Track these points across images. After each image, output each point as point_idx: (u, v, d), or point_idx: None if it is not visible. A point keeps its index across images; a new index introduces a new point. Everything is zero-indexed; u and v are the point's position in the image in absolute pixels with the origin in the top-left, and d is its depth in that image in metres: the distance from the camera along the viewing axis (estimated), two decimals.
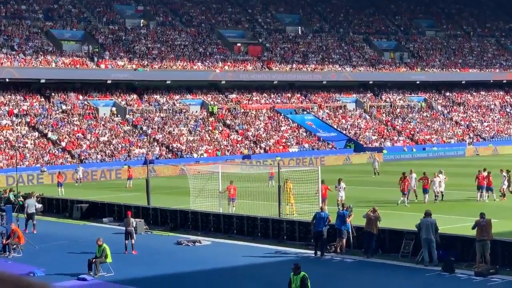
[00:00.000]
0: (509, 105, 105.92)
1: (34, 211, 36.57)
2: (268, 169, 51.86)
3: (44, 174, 63.45)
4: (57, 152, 69.85)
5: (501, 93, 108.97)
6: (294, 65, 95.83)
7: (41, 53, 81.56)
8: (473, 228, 25.10)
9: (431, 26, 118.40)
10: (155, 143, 75.67)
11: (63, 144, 71.42)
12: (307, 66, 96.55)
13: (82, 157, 69.39)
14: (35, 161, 67.10)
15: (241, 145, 79.00)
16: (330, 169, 64.65)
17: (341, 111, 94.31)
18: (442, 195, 41.79)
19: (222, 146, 77.51)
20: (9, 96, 78.00)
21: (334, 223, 28.32)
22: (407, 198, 40.80)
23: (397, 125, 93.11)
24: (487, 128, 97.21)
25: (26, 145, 69.86)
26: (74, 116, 77.43)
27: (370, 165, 64.25)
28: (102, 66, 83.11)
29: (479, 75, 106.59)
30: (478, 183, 41.97)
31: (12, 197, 42.40)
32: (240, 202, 38.79)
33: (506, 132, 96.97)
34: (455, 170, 56.71)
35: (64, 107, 78.83)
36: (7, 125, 72.71)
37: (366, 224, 27.46)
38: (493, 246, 24.59)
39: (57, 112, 77.70)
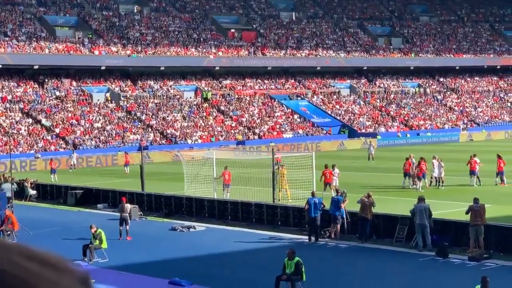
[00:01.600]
0: (502, 91, 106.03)
1: (11, 195, 36.53)
2: (264, 155, 51.83)
3: (37, 161, 63.37)
4: (51, 138, 69.75)
5: (495, 78, 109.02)
6: (288, 51, 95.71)
7: (34, 39, 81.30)
8: (466, 213, 25.19)
9: (425, 12, 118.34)
10: (149, 129, 75.60)
11: (57, 130, 71.31)
12: (301, 51, 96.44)
13: (76, 144, 69.30)
14: (29, 147, 67.01)
15: (235, 131, 78.96)
16: (325, 154, 64.67)
17: (335, 96, 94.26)
18: (436, 180, 41.85)
19: (216, 132, 77.46)
20: (3, 82, 77.79)
21: (329, 208, 28.37)
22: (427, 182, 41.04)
23: (391, 110, 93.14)
24: (481, 114, 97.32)
25: (20, 132, 69.75)
26: (68, 102, 77.27)
27: (365, 150, 64.24)
28: (96, 52, 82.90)
29: (473, 60, 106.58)
30: (470, 168, 42.09)
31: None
32: (235, 188, 38.82)
33: (499, 117, 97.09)
34: (449, 155, 56.76)
35: (57, 93, 78.65)
36: (0, 112, 72.55)
37: (360, 209, 27.52)
38: (487, 231, 24.70)
39: (51, 98, 77.54)
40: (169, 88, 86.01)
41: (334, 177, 39.32)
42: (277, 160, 42.66)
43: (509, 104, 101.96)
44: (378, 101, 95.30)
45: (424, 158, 41.49)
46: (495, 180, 42.01)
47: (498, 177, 42.12)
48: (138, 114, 78.49)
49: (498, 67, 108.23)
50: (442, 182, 41.38)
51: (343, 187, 34.32)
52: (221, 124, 79.98)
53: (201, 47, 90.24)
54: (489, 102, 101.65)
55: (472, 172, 41.94)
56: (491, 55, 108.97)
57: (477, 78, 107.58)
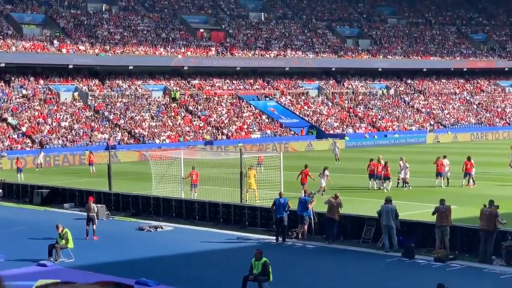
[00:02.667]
0: (469, 93, 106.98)
1: None
2: (232, 155, 51.81)
3: (2, 160, 62.77)
4: (17, 137, 69.17)
5: (462, 81, 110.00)
6: (257, 51, 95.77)
7: (0, 36, 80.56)
8: (433, 214, 25.38)
9: (393, 14, 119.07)
10: (117, 129, 75.24)
11: (24, 129, 70.73)
12: (270, 52, 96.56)
13: (43, 142, 68.75)
14: None
15: (203, 131, 78.87)
16: (293, 155, 64.81)
17: (303, 97, 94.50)
18: (404, 182, 42.17)
19: (184, 132, 77.31)
20: None
21: (296, 209, 28.43)
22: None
23: (359, 112, 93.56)
24: (448, 116, 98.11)
25: None
26: (35, 101, 76.67)
27: (332, 151, 64.32)
28: (64, 50, 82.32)
29: (440, 63, 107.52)
30: (437, 169, 42.46)
31: None
32: (202, 188, 38.80)
33: (465, 119, 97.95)
34: (416, 157, 57.17)
35: (24, 91, 78.02)
36: None
37: (327, 210, 27.61)
38: (452, 232, 24.89)
39: (18, 96, 76.88)
40: (138, 88, 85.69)
41: (323, 179, 39.66)
42: (260, 161, 42.71)
43: (475, 106, 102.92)
44: (346, 102, 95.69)
45: (387, 162, 41.70)
46: (461, 181, 42.33)
47: (466, 179, 42.44)
48: (106, 113, 78.08)
49: (465, 69, 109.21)
50: (407, 183, 41.74)
51: (310, 188, 34.45)
52: (189, 124, 79.85)
53: (169, 46, 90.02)
54: (456, 104, 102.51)
55: (439, 174, 42.33)
56: (458, 58, 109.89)
57: (444, 81, 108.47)
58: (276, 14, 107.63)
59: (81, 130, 72.87)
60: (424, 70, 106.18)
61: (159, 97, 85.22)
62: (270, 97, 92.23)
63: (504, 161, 50.48)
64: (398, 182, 42.21)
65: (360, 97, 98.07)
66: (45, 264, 24.39)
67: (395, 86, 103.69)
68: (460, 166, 42.90)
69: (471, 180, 42.33)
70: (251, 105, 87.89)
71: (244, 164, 37.19)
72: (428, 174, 43.60)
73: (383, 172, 40.92)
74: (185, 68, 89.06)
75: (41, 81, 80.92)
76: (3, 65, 77.92)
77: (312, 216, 28.47)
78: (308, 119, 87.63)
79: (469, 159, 42.65)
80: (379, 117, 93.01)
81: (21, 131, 70.32)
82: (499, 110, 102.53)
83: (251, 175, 37.32)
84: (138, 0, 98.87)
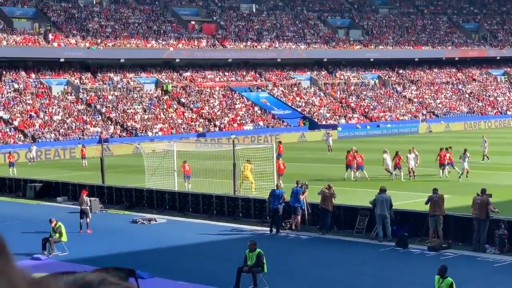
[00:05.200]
0: (461, 82, 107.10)
1: None
2: (225, 147, 51.75)
3: None
4: (9, 131, 69.00)
5: (453, 70, 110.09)
6: (248, 43, 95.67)
7: None
8: (426, 203, 25.45)
9: (385, 4, 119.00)
10: (110, 122, 75.11)
11: (16, 123, 70.55)
12: (262, 43, 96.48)
13: (36, 136, 68.61)
14: None
15: (196, 123, 78.79)
16: (285, 146, 64.74)
17: (295, 88, 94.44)
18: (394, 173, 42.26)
19: (177, 125, 77.22)
20: None
21: (289, 200, 28.45)
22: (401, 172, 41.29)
23: (351, 102, 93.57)
24: (440, 105, 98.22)
25: None
26: (27, 95, 76.46)
27: (325, 142, 64.33)
28: (55, 44, 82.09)
29: (431, 52, 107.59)
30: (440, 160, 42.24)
31: None
32: (196, 180, 38.79)
33: (457, 109, 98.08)
34: (409, 147, 57.14)
35: (16, 85, 77.80)
36: None
37: (321, 201, 27.64)
38: (446, 221, 24.96)
39: (9, 91, 76.67)
40: (129, 81, 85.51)
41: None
42: (279, 151, 42.44)
43: (467, 95, 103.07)
44: (339, 93, 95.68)
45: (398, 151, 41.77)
46: (446, 171, 42.24)
47: (446, 169, 42.23)
48: (98, 106, 77.92)
49: (456, 59, 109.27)
50: (391, 174, 41.90)
51: (304, 179, 34.43)
52: (182, 116, 79.75)
53: (161, 39, 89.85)
54: (448, 93, 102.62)
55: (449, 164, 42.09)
56: (450, 47, 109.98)
57: (436, 70, 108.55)
58: (267, 5, 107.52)
59: (74, 124, 72.71)
60: (416, 59, 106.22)
61: (151, 90, 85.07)
62: (262, 88, 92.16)
63: (497, 150, 50.48)
64: (390, 173, 42.13)
65: (352, 87, 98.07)
66: (39, 258, 24.39)
67: (387, 76, 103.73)
68: (455, 156, 42.76)
69: (446, 170, 42.04)
70: (243, 97, 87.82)
71: (237, 156, 37.19)
72: (422, 164, 43.66)
73: (394, 162, 40.98)
74: (177, 60, 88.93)
75: (33, 75, 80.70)
76: None
77: (304, 207, 28.49)
78: (301, 110, 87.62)
79: (447, 149, 42.32)
80: (372, 107, 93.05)
81: (13, 125, 70.14)
82: (491, 99, 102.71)
83: (247, 169, 37.26)
84: None
